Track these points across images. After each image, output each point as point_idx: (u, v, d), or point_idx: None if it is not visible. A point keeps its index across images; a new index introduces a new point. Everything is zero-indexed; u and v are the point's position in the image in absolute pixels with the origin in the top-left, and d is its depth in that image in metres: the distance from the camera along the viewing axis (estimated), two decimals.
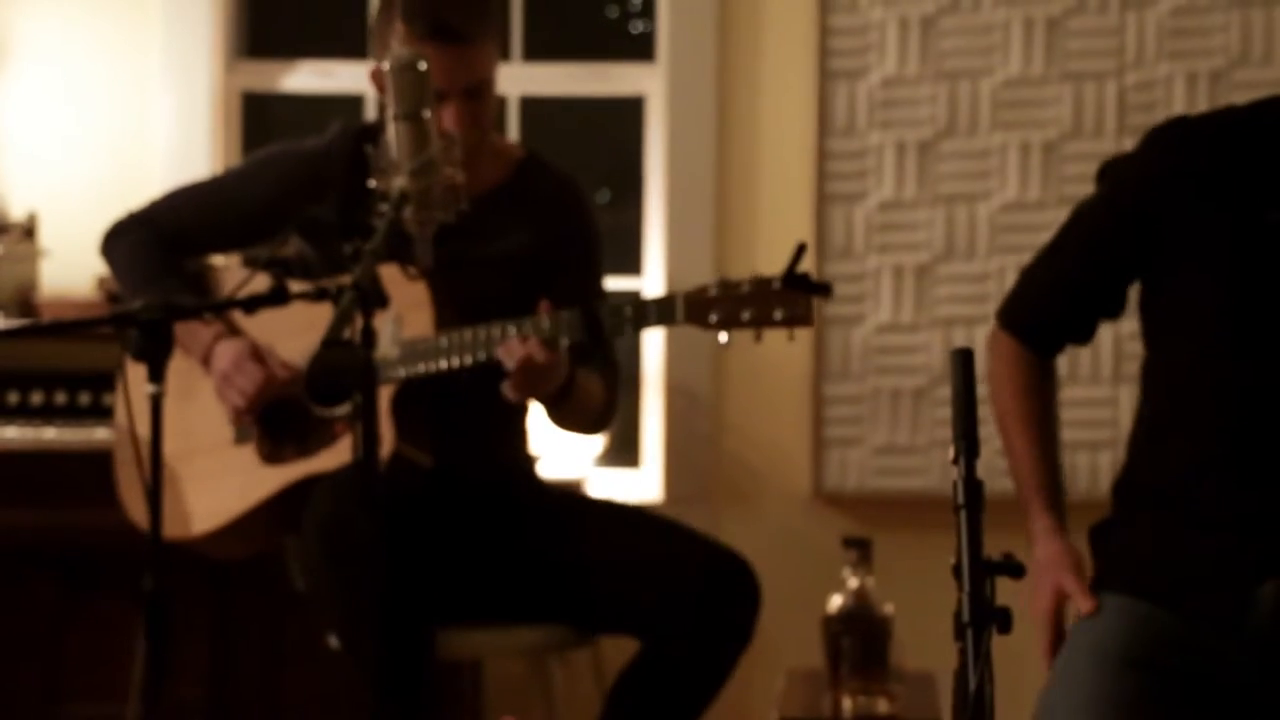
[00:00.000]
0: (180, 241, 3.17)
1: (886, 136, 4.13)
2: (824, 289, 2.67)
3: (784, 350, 3.45)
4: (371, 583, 2.49)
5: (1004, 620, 1.71)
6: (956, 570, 1.71)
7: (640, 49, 4.38)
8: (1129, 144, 3.98)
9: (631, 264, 4.32)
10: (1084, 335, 2.56)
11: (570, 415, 3.00)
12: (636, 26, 4.53)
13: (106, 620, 3.76)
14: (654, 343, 4.27)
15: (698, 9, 4.19)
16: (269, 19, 4.48)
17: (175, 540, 3.03)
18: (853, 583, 3.04)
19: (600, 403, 3.05)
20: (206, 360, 3.05)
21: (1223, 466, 2.34)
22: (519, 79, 4.31)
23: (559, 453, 4.11)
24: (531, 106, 4.36)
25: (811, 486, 4.19)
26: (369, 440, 2.26)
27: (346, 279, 2.26)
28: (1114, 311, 2.53)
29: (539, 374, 2.77)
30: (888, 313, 4.15)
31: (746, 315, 2.67)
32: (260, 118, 4.41)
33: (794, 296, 2.65)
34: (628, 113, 4.36)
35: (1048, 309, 2.56)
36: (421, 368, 2.86)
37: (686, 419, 4.25)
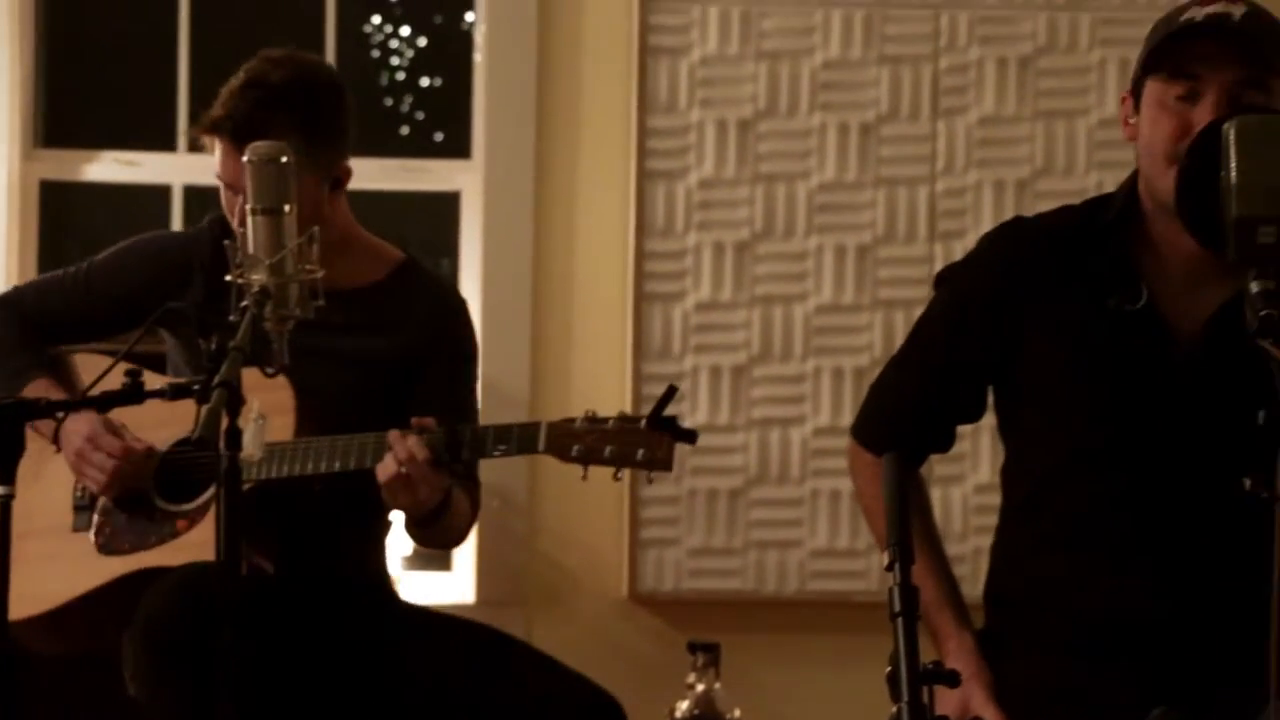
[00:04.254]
0: (45, 327, 3.05)
1: (704, 237, 4.15)
2: (690, 435, 2.66)
3: None
4: (201, 692, 2.39)
5: None
6: (892, 679, 1.68)
7: (457, 145, 4.35)
8: (940, 249, 4.14)
9: None
10: (944, 443, 2.57)
11: (438, 533, 2.92)
12: (437, 136, 4.50)
13: None
14: None
15: (515, 106, 4.17)
16: (71, 108, 4.37)
17: None
18: (699, 687, 3.00)
19: (466, 523, 2.99)
20: (56, 438, 2.91)
21: (1092, 581, 2.35)
22: None
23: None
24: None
25: (627, 588, 4.15)
26: (231, 543, 2.17)
27: (205, 376, 2.18)
28: (973, 415, 2.55)
29: (419, 476, 2.70)
30: (705, 413, 4.15)
31: (608, 452, 2.66)
32: (62, 208, 4.28)
33: (658, 438, 2.64)
34: (442, 208, 4.31)
35: (905, 422, 2.55)
36: (284, 471, 2.77)
37: (500, 520, 4.19)
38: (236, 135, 2.85)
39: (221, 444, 2.15)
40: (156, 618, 2.74)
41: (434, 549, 3.02)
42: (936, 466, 4.06)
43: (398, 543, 4.05)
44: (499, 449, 2.74)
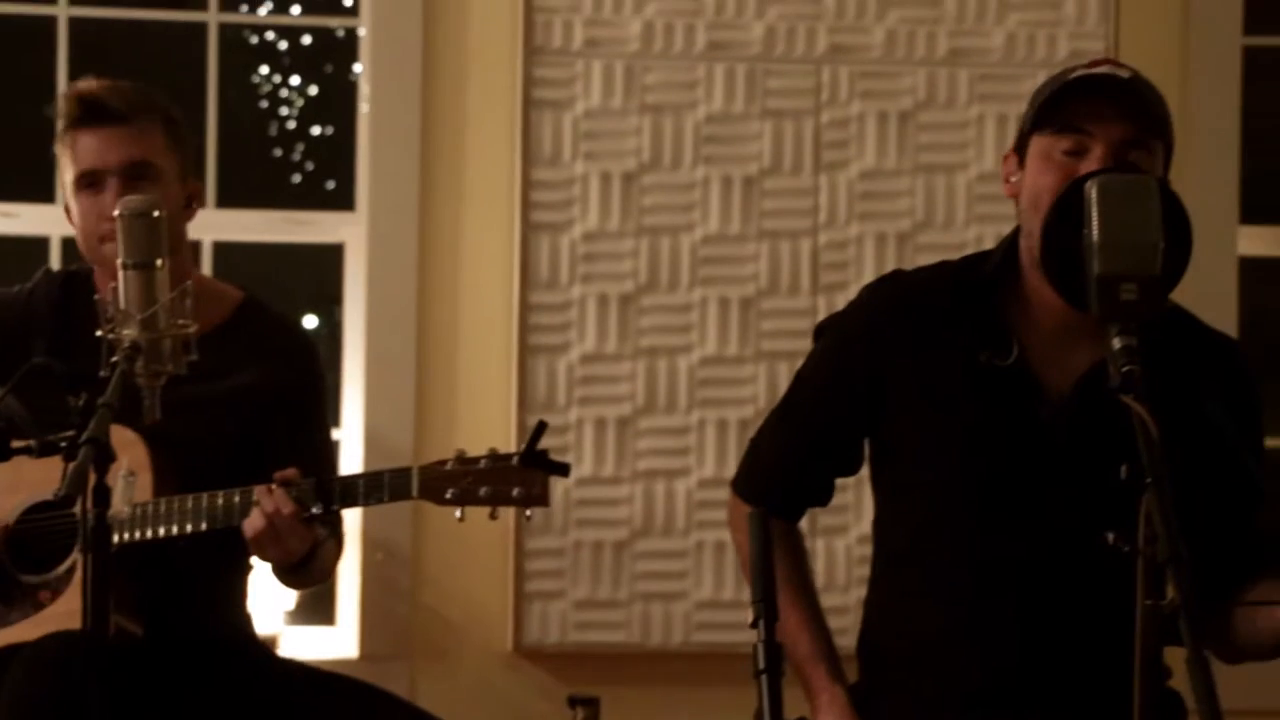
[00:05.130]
0: None
1: (588, 290, 4.16)
2: (562, 468, 2.66)
3: None
4: None
5: None
6: None
7: (341, 197, 4.34)
8: (823, 301, 4.17)
9: (330, 414, 4.22)
10: (823, 497, 2.58)
11: (305, 579, 2.89)
12: (330, 184, 4.49)
13: None
14: None
15: (399, 158, 4.17)
16: None
17: None
18: None
19: (333, 565, 2.96)
20: None
21: (962, 635, 2.36)
22: (214, 225, 4.21)
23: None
24: (224, 250, 4.26)
25: (512, 641, 4.13)
26: (99, 606, 2.13)
27: (67, 433, 2.15)
28: (850, 469, 2.56)
29: (287, 530, 2.68)
30: (590, 465, 4.14)
31: (483, 492, 2.65)
32: None
33: (532, 475, 2.64)
34: (326, 259, 4.29)
35: (785, 475, 2.56)
36: (151, 533, 2.73)
37: (384, 573, 4.16)
38: (115, 115, 2.87)
39: (88, 502, 2.12)
40: (22, 698, 2.67)
41: (299, 590, 2.98)
42: (820, 517, 4.07)
43: (279, 597, 4.03)
44: (371, 498, 2.71)
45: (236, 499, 2.73)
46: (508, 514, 4.00)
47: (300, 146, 4.74)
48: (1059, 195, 2.21)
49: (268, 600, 3.96)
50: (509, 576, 4.14)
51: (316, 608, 4.24)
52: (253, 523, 2.69)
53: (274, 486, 2.69)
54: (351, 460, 4.19)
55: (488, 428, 4.12)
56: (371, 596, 4.16)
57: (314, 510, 2.69)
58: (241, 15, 4.48)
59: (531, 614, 4.14)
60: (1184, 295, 4.10)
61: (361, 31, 4.26)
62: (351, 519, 4.18)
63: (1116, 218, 2.01)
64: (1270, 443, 4.36)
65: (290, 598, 4.08)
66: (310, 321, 4.46)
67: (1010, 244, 2.45)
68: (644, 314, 4.17)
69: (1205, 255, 4.25)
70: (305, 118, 4.72)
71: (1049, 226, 2.20)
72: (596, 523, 4.15)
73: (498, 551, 4.14)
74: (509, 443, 4.09)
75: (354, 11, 4.36)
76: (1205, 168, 4.25)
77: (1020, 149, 2.40)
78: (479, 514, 2.74)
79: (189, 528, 2.75)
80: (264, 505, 2.67)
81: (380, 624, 4.16)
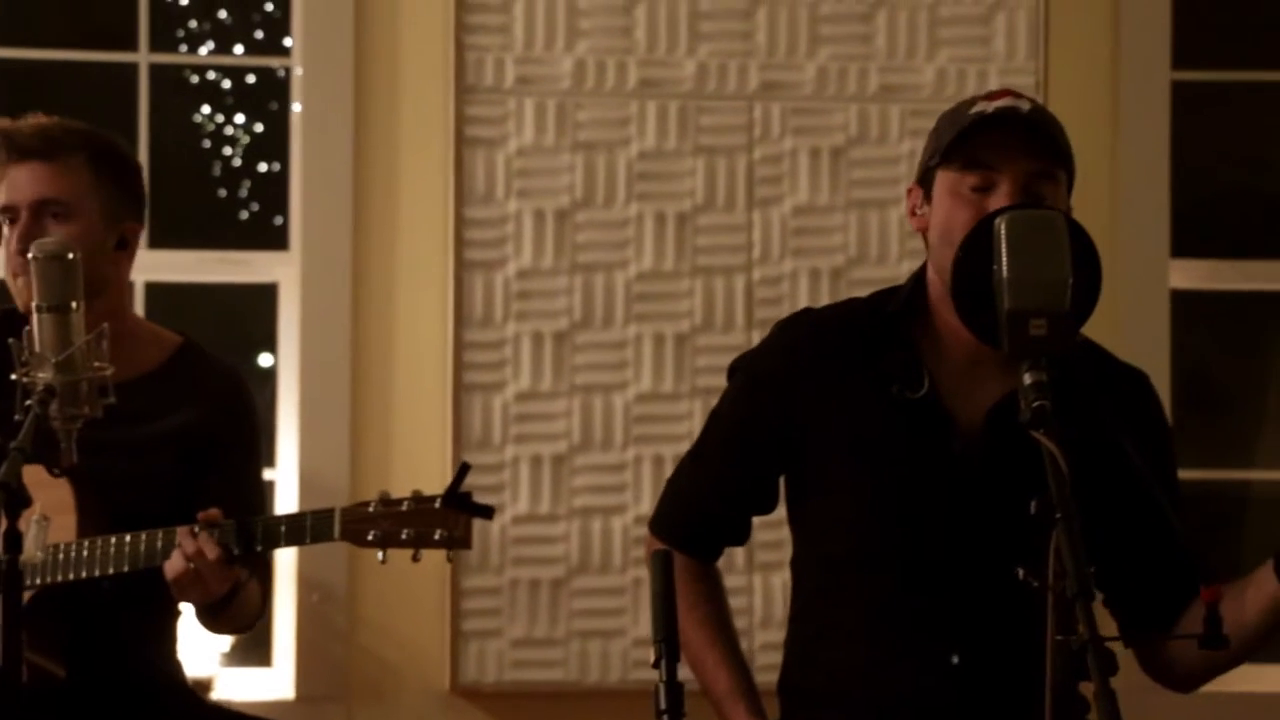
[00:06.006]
0: None
1: (523, 327, 4.15)
2: (486, 510, 2.65)
3: None
4: None
5: None
6: None
7: (276, 236, 4.33)
8: (757, 337, 4.16)
9: (264, 455, 4.20)
10: (741, 536, 2.58)
11: (229, 621, 2.88)
12: (278, 220, 4.47)
13: None
14: None
15: (332, 197, 4.16)
16: None
17: None
18: None
19: (258, 607, 2.94)
20: None
21: (879, 670, 2.36)
22: (146, 266, 4.19)
23: (184, 652, 3.93)
24: (156, 290, 4.25)
25: (449, 681, 4.12)
26: (11, 653, 2.11)
27: None
28: (767, 507, 2.56)
29: (208, 572, 2.66)
30: (526, 503, 4.14)
31: (406, 534, 2.64)
32: None
33: (455, 517, 2.63)
34: (261, 299, 4.28)
35: (701, 516, 2.56)
36: (71, 575, 2.72)
37: (320, 614, 4.14)
38: (35, 152, 2.87)
39: None
40: None
41: (223, 633, 2.97)
42: (757, 554, 4.08)
43: (215, 639, 4.00)
44: (293, 540, 2.71)
45: (159, 540, 2.71)
46: (444, 553, 4.04)
47: (247, 184, 4.72)
48: (968, 232, 2.21)
49: (203, 642, 3.94)
50: (446, 615, 4.12)
51: (252, 649, 4.21)
52: (173, 564, 2.67)
53: (196, 528, 2.67)
54: (287, 501, 4.17)
55: (423, 467, 4.11)
56: (308, 637, 4.14)
57: (234, 551, 2.68)
58: (172, 55, 4.46)
59: (468, 653, 4.13)
60: (1116, 329, 4.16)
61: (296, 71, 4.26)
62: (286, 560, 4.16)
63: (1025, 254, 2.02)
64: (1205, 475, 4.44)
65: (225, 640, 4.05)
66: (266, 360, 4.44)
67: (918, 278, 2.46)
68: (579, 351, 4.17)
69: (1137, 289, 4.31)
70: (251, 156, 4.71)
71: (959, 263, 2.21)
72: (533, 561, 4.14)
73: (434, 591, 4.12)
74: (444, 481, 4.06)
75: (287, 52, 4.36)
76: (1136, 202, 4.29)
77: (925, 182, 2.41)
78: (420, 564, 2.73)
79: (111, 569, 2.73)
80: (185, 547, 2.66)
81: (317, 665, 4.14)
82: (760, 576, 4.13)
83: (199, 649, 3.99)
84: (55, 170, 2.88)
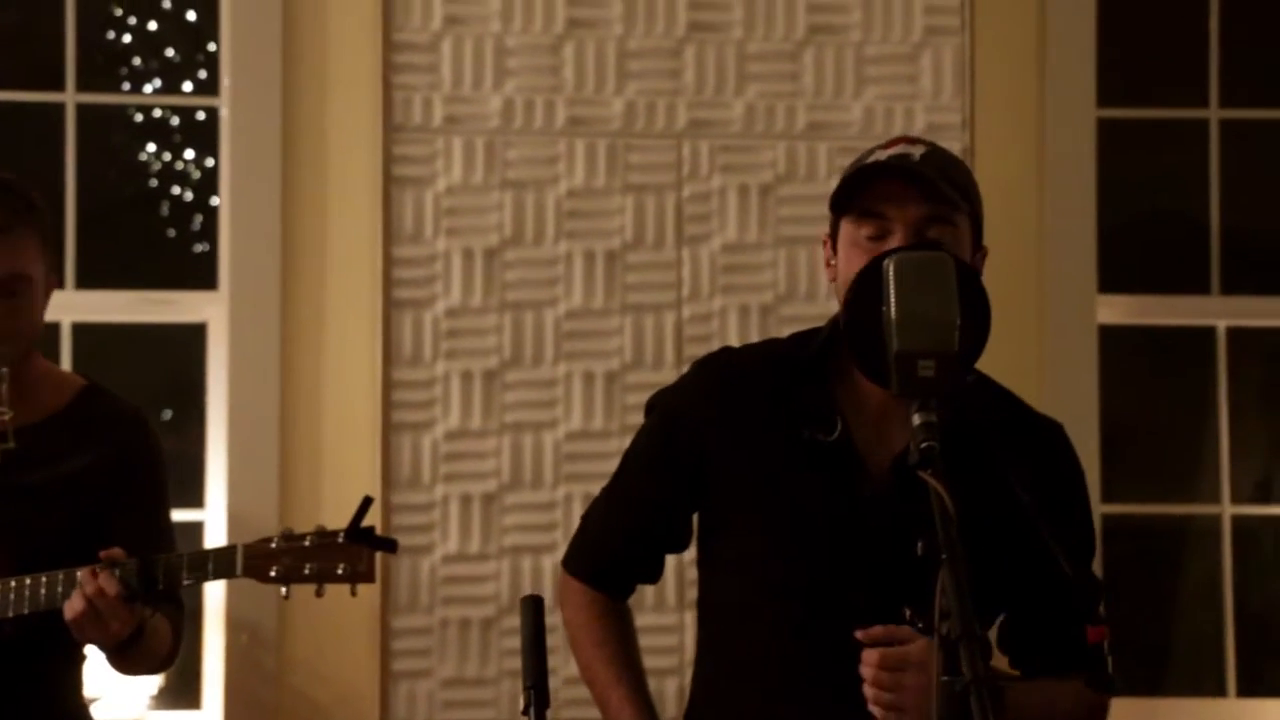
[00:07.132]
0: None
1: (452, 366, 4.15)
2: (389, 544, 2.65)
3: None
4: None
5: None
6: None
7: (204, 273, 4.32)
8: None
9: (193, 495, 4.20)
10: (653, 574, 2.58)
11: (136, 661, 2.86)
12: (201, 246, 4.46)
13: None
14: None
15: (261, 237, 4.16)
16: None
17: None
18: None
19: (167, 646, 2.93)
20: None
21: (780, 712, 2.36)
22: (73, 306, 4.18)
23: (112, 694, 3.92)
24: (82, 330, 4.23)
25: None
26: None
27: None
28: (679, 545, 2.56)
29: (109, 611, 2.65)
30: (456, 542, 4.13)
31: (309, 569, 2.64)
32: None
33: (358, 551, 2.63)
34: (189, 338, 4.27)
35: (614, 552, 2.56)
36: None
37: (249, 655, 4.12)
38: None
39: None
40: None
41: (138, 675, 2.96)
42: (688, 591, 4.07)
43: (142, 682, 3.98)
44: (195, 576, 2.70)
45: (60, 582, 2.70)
46: (373, 591, 4.03)
47: (199, 218, 4.71)
48: (857, 273, 2.22)
49: (131, 684, 3.91)
50: (376, 655, 4.11)
51: (181, 691, 4.19)
52: (72, 604, 2.66)
53: (97, 567, 2.66)
54: (216, 541, 4.15)
55: (352, 506, 3.98)
56: (236, 679, 4.12)
57: (134, 587, 2.67)
58: (99, 95, 4.45)
59: (399, 693, 4.11)
60: (1044, 364, 4.18)
61: (222, 111, 4.25)
62: (215, 601, 4.14)
63: (913, 295, 2.02)
64: (1136, 509, 4.45)
65: (154, 681, 4.03)
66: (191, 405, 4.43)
67: (836, 322, 2.46)
68: (508, 389, 4.17)
69: (1065, 324, 4.33)
70: (202, 192, 4.70)
71: (850, 305, 2.21)
72: (463, 600, 4.13)
73: (364, 631, 4.11)
74: (373, 522, 4.06)
75: (214, 91, 4.35)
76: (1063, 238, 4.31)
77: (834, 233, 2.42)
78: (340, 590, 2.72)
79: (10, 612, 2.72)
80: (85, 587, 2.65)
81: (246, 707, 4.11)
82: (691, 614, 4.12)
83: (127, 691, 3.97)
84: (13, 244, 2.82)
